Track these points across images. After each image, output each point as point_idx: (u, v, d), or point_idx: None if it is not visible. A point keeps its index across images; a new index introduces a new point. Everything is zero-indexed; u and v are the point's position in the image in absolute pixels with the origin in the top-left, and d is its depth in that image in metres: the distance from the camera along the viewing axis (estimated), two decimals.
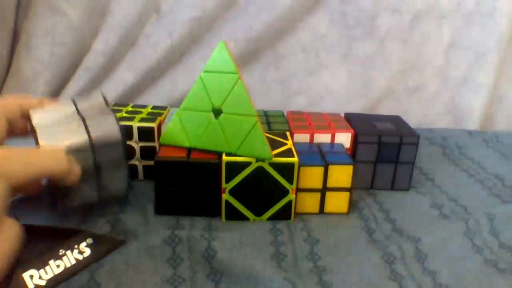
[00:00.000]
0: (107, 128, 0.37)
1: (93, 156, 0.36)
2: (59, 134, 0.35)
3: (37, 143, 0.35)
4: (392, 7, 0.69)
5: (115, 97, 0.69)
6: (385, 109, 0.74)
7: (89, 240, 0.34)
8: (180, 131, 0.42)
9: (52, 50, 0.65)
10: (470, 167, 0.56)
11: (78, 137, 0.35)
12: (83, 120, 0.36)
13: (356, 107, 0.74)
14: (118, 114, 0.48)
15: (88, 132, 0.36)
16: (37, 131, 0.35)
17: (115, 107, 0.52)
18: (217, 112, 0.40)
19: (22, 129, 0.38)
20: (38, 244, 0.33)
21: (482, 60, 0.72)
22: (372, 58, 0.72)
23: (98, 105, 0.39)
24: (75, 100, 0.38)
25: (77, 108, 0.37)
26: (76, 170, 0.34)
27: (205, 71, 0.40)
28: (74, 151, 0.34)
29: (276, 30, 0.68)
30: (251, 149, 0.39)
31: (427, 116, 0.76)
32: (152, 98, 0.71)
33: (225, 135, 0.40)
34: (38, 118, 0.36)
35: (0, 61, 0.66)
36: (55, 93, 0.69)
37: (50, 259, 0.32)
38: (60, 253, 0.33)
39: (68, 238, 0.34)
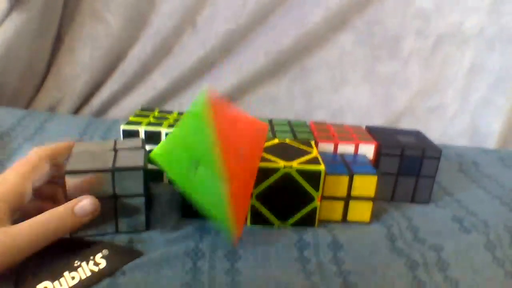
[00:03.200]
0: (133, 158, 0.39)
1: (112, 179, 0.37)
2: (88, 160, 0.38)
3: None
4: (417, 30, 0.71)
5: (145, 100, 0.72)
6: (404, 126, 0.76)
7: (105, 251, 0.33)
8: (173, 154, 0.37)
9: (91, 54, 0.69)
10: (488, 184, 0.57)
11: (104, 162, 0.38)
12: (116, 151, 0.40)
13: (376, 123, 0.75)
14: (145, 119, 0.50)
15: (114, 159, 0.38)
16: (70, 158, 0.38)
17: (141, 112, 0.54)
18: (196, 165, 0.36)
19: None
20: (52, 256, 0.32)
21: (502, 83, 0.74)
22: (394, 77, 0.74)
23: (135, 144, 0.42)
24: (116, 140, 0.42)
25: (115, 145, 0.41)
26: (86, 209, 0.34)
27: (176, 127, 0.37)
28: (95, 173, 0.36)
29: (304, 45, 0.71)
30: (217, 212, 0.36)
31: (445, 135, 0.77)
32: (181, 104, 0.74)
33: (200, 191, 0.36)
34: (77, 147, 0.40)
35: (42, 60, 0.70)
36: (91, 94, 0.73)
37: (65, 271, 0.31)
38: (75, 265, 0.32)
39: (83, 249, 0.33)
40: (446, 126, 0.77)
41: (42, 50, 0.69)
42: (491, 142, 0.76)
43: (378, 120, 0.76)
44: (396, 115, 0.76)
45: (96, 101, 0.72)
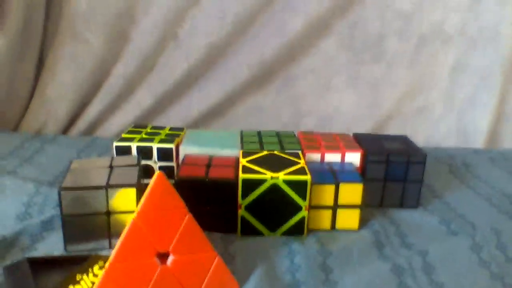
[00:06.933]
0: (127, 175, 0.41)
1: (106, 196, 0.38)
2: (84, 177, 0.40)
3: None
4: (398, 31, 0.72)
5: (132, 119, 0.72)
6: (393, 130, 0.76)
7: (101, 263, 0.36)
8: None
9: (74, 74, 0.69)
10: (477, 184, 0.57)
11: (98, 179, 0.39)
12: (111, 168, 0.42)
13: (364, 128, 0.76)
14: (138, 136, 0.51)
15: (109, 176, 0.40)
16: (67, 174, 0.40)
17: (134, 128, 0.54)
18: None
19: None
20: (53, 274, 0.35)
21: (486, 81, 0.74)
22: (379, 81, 0.74)
23: (130, 161, 0.44)
24: (113, 157, 0.45)
25: (111, 162, 0.43)
26: None
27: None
28: (91, 190, 0.38)
29: (287, 54, 0.71)
30: None
31: (433, 136, 0.77)
32: (168, 119, 0.73)
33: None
34: (75, 164, 0.42)
35: (26, 83, 0.70)
36: (76, 115, 0.72)
37: (69, 285, 0.33)
38: (78, 279, 0.34)
39: (82, 263, 0.35)
40: (434, 127, 0.77)
41: (24, 72, 0.69)
42: (480, 141, 0.76)
43: (367, 125, 0.76)
44: (383, 119, 0.77)
45: (83, 122, 0.72)
